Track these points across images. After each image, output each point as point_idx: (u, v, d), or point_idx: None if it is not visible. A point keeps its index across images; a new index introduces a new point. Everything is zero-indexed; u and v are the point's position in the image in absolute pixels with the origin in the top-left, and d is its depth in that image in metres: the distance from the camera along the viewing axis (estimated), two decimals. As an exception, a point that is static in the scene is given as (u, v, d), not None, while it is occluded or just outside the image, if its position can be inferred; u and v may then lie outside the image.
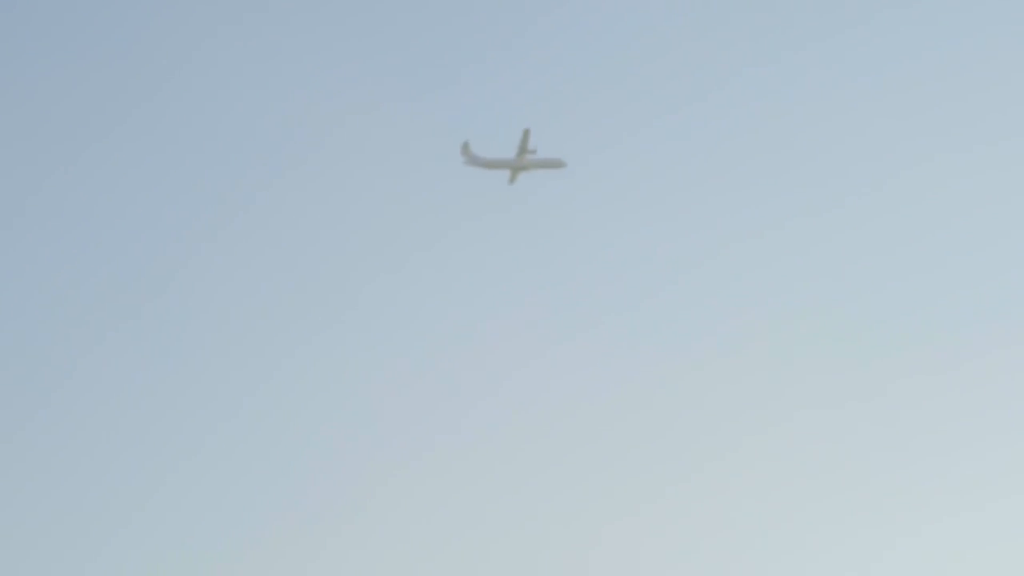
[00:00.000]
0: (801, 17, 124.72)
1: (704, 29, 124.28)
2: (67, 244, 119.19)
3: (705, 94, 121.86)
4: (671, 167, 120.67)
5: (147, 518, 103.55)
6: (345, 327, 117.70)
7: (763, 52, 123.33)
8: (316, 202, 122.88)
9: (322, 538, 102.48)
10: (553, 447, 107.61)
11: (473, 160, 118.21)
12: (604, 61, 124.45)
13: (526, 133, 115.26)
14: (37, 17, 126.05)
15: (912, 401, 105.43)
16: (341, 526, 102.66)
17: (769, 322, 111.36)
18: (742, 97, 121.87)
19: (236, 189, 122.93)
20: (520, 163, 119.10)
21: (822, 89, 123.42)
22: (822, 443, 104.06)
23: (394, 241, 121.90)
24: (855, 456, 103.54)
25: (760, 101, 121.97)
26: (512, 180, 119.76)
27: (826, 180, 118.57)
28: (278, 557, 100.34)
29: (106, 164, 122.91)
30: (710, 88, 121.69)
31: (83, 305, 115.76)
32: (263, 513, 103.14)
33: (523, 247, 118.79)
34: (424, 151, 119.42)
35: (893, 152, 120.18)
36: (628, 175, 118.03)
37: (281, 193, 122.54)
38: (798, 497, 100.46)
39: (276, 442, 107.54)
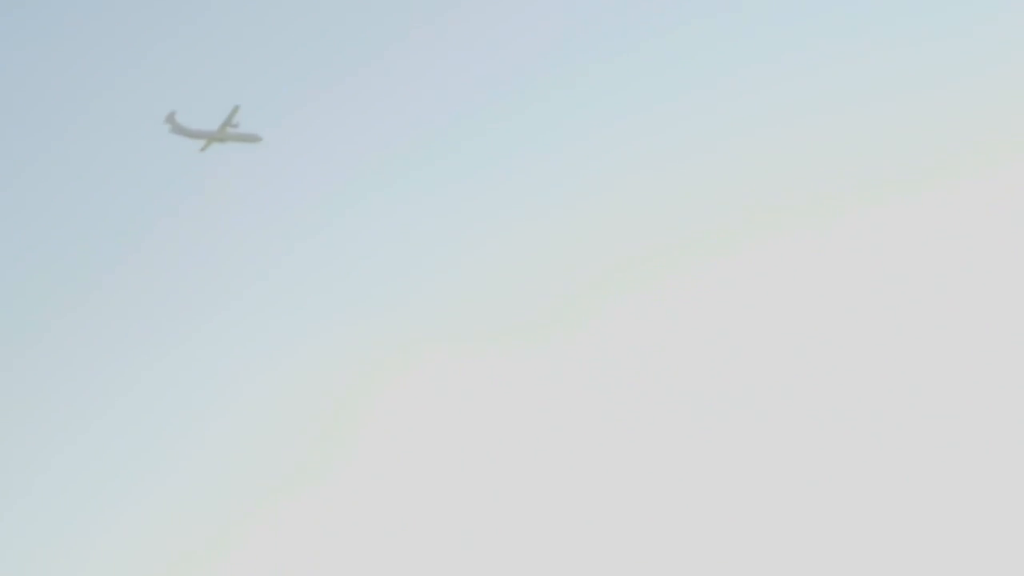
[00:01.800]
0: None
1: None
2: None
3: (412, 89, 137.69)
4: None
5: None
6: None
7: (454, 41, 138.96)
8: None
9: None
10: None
11: (178, 129, 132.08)
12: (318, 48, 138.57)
13: (235, 109, 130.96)
14: None
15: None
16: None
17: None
18: (445, 87, 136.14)
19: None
20: (221, 135, 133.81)
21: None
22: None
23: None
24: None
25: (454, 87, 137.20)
26: (204, 149, 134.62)
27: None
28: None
29: None
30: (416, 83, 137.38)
31: None
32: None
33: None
34: (132, 118, 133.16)
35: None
36: (323, 154, 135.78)
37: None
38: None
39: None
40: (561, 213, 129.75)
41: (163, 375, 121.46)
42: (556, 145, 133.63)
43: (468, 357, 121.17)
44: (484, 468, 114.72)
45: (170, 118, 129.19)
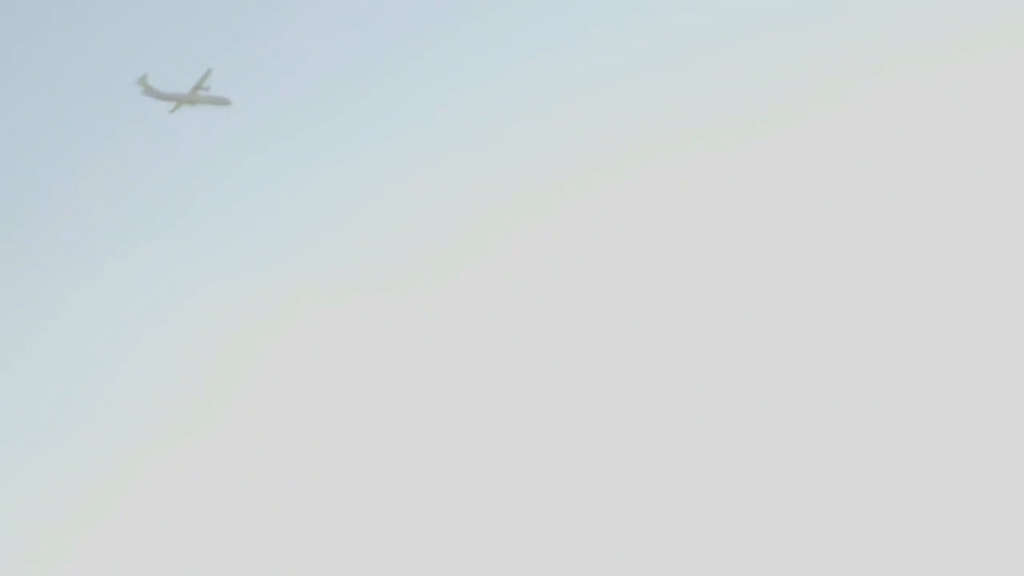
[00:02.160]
0: None
1: None
2: None
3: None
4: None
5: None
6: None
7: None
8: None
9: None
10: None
11: (150, 92, 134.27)
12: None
13: (207, 72, 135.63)
14: None
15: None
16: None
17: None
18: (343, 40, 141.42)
19: None
20: (192, 98, 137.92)
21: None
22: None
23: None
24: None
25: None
26: (174, 110, 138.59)
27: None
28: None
29: None
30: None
31: None
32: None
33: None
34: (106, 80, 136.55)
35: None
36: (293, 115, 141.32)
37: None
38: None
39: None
40: (442, 167, 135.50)
41: (60, 320, 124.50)
42: (436, 97, 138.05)
43: (358, 305, 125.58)
44: (371, 415, 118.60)
45: (142, 80, 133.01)
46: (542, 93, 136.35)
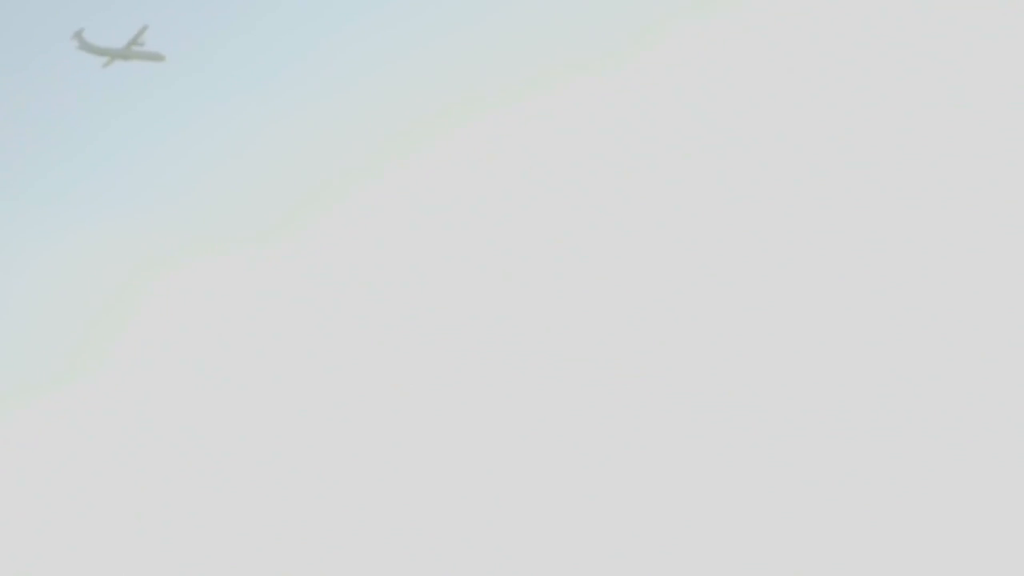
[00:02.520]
0: None
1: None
2: None
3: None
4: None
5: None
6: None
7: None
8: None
9: None
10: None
11: (85, 46, 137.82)
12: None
13: (142, 29, 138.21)
14: None
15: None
16: None
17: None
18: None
19: None
20: (126, 53, 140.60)
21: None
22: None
23: None
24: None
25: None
26: (107, 65, 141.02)
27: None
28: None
29: None
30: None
31: None
32: None
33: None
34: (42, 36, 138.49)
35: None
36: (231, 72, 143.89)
37: None
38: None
39: None
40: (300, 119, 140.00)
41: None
42: (288, 58, 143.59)
43: (221, 259, 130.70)
44: (243, 364, 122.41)
45: (78, 35, 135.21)
46: (408, 34, 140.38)
